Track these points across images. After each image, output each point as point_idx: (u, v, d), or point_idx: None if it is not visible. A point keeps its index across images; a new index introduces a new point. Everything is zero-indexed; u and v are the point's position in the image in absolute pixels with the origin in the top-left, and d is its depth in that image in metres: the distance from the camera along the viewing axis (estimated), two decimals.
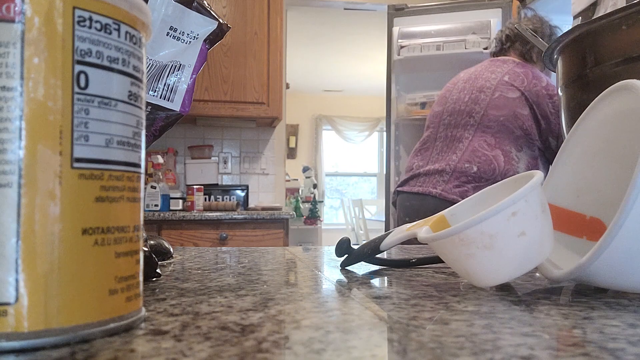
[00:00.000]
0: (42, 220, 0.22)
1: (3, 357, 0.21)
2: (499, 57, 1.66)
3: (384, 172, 3.02)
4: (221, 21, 0.55)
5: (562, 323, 0.28)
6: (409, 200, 1.60)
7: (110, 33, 0.25)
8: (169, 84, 0.51)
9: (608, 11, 0.76)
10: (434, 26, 2.64)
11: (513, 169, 1.47)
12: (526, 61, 1.62)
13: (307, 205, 5.28)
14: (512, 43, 1.64)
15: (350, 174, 7.68)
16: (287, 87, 3.44)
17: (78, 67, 0.23)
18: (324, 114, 7.29)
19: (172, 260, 0.57)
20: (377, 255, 0.50)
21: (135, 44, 0.26)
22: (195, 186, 2.60)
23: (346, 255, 0.51)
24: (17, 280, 0.22)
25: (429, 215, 0.47)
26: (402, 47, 2.65)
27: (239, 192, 2.88)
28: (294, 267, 0.53)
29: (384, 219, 3.03)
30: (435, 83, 2.63)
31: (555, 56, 0.63)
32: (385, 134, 2.95)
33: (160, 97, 0.51)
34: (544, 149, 1.53)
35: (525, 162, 1.50)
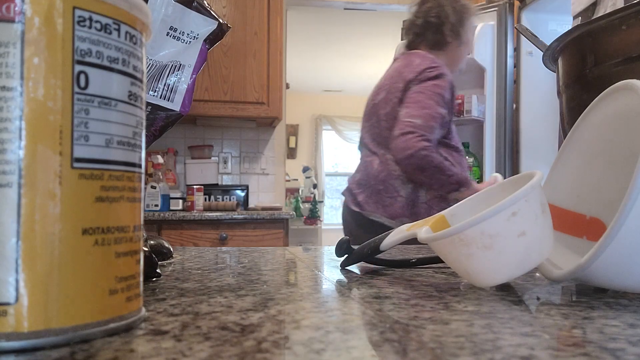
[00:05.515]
0: (42, 220, 0.22)
1: (3, 357, 0.21)
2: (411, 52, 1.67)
3: None
4: (221, 21, 0.55)
5: (562, 323, 0.28)
6: None
7: (110, 33, 0.25)
8: (169, 84, 0.51)
9: (608, 11, 0.76)
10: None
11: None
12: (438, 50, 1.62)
13: (307, 205, 5.27)
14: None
15: (350, 174, 7.66)
16: (287, 87, 3.44)
17: (78, 67, 0.23)
18: (324, 114, 7.28)
19: (172, 260, 0.57)
20: (377, 255, 0.50)
21: (135, 44, 0.26)
22: (195, 186, 2.60)
23: (346, 255, 0.51)
24: (17, 280, 0.22)
25: None
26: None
27: (239, 192, 2.88)
28: (294, 267, 0.53)
29: None
30: None
31: (555, 56, 0.63)
32: None
33: (160, 97, 0.51)
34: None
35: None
